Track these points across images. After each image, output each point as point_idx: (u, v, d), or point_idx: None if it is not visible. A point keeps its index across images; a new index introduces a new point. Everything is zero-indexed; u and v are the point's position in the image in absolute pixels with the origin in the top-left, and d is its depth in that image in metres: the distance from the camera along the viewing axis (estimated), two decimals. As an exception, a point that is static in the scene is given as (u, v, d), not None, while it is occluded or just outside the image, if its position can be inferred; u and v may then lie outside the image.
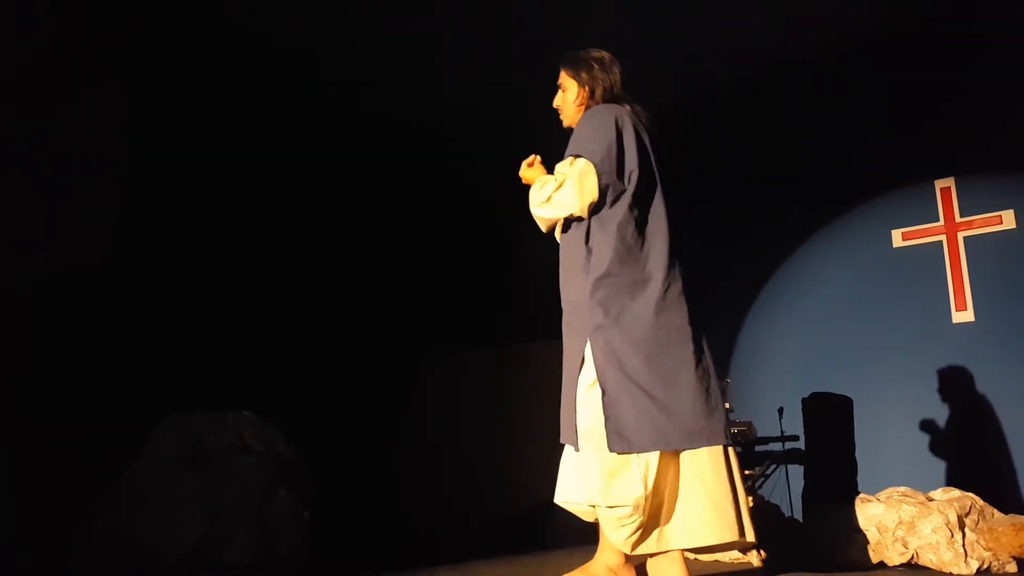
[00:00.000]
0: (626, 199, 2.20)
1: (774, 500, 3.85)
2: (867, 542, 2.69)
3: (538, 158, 2.40)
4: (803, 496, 4.01)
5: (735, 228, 5.63)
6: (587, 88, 2.37)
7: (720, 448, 2.12)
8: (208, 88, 4.22)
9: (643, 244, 2.20)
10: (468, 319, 5.31)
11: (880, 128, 5.16)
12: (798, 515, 4.00)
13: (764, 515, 3.02)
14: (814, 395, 3.98)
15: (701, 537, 2.07)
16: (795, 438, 4.64)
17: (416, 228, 5.37)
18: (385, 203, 5.12)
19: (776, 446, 4.74)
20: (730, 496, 2.07)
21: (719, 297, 5.60)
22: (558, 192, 2.23)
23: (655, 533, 2.08)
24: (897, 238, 5.16)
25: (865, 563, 2.69)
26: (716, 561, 2.95)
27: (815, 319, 5.28)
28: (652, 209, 2.25)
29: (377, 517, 4.34)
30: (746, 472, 4.68)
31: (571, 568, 2.28)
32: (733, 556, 2.84)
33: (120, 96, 3.84)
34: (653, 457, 2.07)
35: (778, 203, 5.52)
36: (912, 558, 2.62)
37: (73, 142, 3.74)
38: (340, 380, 4.58)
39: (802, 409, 4.00)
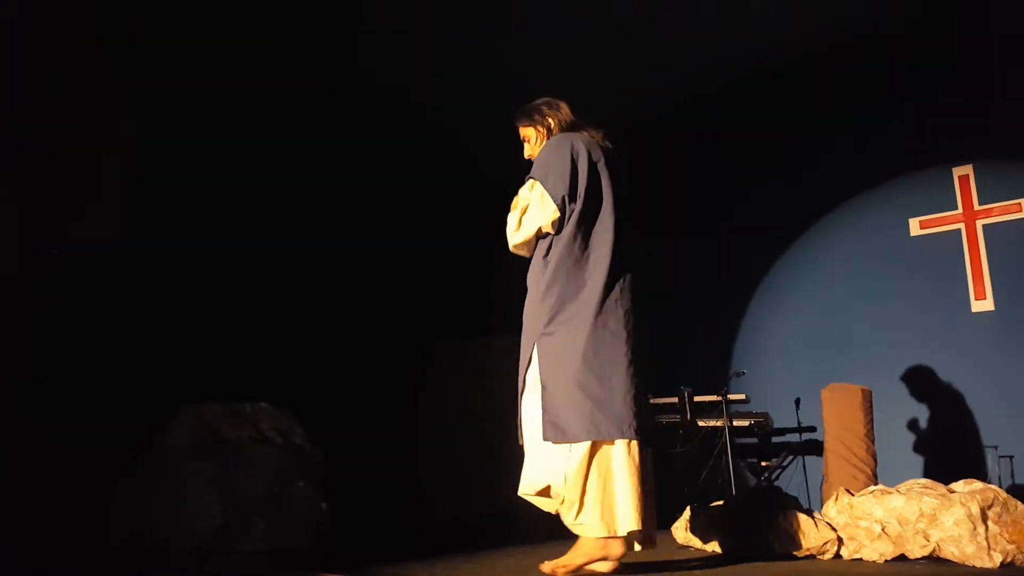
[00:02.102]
0: (575, 216, 2.45)
1: (791, 491, 3.83)
2: (887, 534, 2.67)
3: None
4: (821, 488, 3.99)
5: (750, 217, 5.59)
6: (544, 128, 2.66)
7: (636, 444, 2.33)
8: (220, 81, 4.22)
9: (588, 256, 2.45)
10: (482, 309, 5.31)
11: (896, 115, 5.09)
12: (816, 506, 3.97)
13: (781, 506, 3.00)
14: (832, 386, 3.94)
15: (629, 523, 2.26)
16: (812, 429, 4.61)
17: (432, 222, 5.38)
18: (398, 201, 5.13)
19: (793, 437, 4.72)
20: (640, 488, 2.29)
21: (734, 287, 5.58)
22: (525, 215, 2.51)
23: (590, 516, 2.27)
24: (914, 227, 5.10)
25: (885, 555, 2.66)
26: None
27: (832, 309, 5.24)
28: (599, 224, 2.48)
29: (393, 507, 4.35)
30: (763, 463, 4.67)
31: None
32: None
33: (134, 88, 3.83)
34: (584, 446, 2.28)
35: (793, 192, 5.47)
36: (934, 551, 2.58)
37: (87, 134, 3.75)
38: (353, 372, 4.59)
39: (820, 400, 3.97)
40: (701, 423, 4.49)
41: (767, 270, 5.59)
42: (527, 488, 2.39)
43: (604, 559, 2.32)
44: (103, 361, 3.56)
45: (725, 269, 5.59)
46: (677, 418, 4.50)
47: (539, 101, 2.71)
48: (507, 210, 2.62)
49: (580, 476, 2.28)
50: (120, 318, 3.67)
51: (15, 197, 3.62)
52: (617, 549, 2.30)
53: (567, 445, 2.29)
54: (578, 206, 2.45)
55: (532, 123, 2.68)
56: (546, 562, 2.35)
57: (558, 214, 2.44)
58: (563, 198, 2.44)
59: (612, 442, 2.31)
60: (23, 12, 3.49)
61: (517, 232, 2.53)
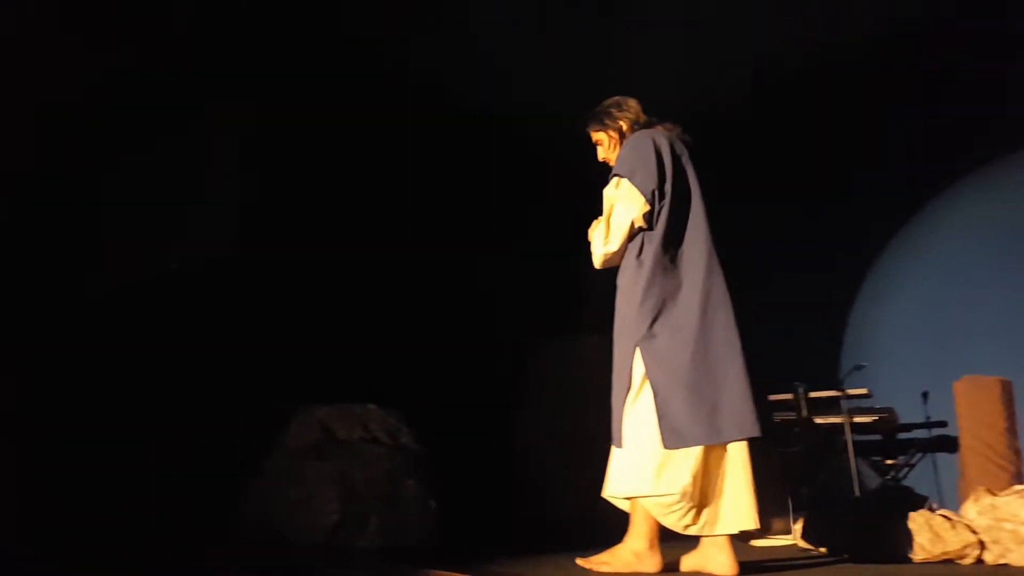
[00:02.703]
0: (665, 212, 2.41)
1: (922, 491, 3.58)
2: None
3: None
4: (958, 487, 3.72)
5: (863, 200, 5.28)
6: (615, 130, 2.62)
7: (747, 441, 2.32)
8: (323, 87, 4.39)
9: (683, 252, 2.41)
10: (583, 307, 5.26)
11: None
12: (951, 507, 3.70)
13: (913, 507, 2.82)
14: (967, 378, 3.67)
15: (747, 522, 2.27)
16: (942, 424, 4.34)
17: (528, 224, 5.39)
18: (498, 205, 5.18)
19: (921, 433, 4.44)
20: (753, 485, 2.29)
21: (849, 274, 5.29)
22: (614, 216, 2.46)
23: (706, 517, 2.28)
24: (1055, 197, 4.66)
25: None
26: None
27: (958, 295, 4.87)
28: (691, 219, 2.44)
29: (497, 506, 4.37)
30: (887, 462, 4.41)
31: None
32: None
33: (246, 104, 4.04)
34: (699, 449, 2.26)
35: (909, 171, 5.11)
36: (1095, 557, 2.35)
37: (204, 149, 3.98)
38: (456, 373, 4.66)
39: (954, 393, 3.70)
40: (819, 420, 4.28)
41: (884, 256, 5.27)
42: (618, 490, 2.41)
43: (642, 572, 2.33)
44: (230, 366, 3.78)
45: (839, 257, 5.31)
46: (792, 416, 4.31)
47: (608, 103, 2.67)
48: (597, 210, 2.57)
49: (698, 480, 2.27)
50: (245, 328, 3.88)
51: (138, 214, 3.90)
52: (653, 564, 2.33)
53: (681, 454, 2.27)
54: (667, 202, 2.42)
55: (603, 127, 2.66)
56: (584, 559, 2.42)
57: (648, 207, 2.41)
58: (652, 192, 2.41)
59: (724, 447, 2.30)
60: (141, 39, 3.75)
61: (607, 241, 2.48)
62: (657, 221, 2.42)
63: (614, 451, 2.45)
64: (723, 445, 2.30)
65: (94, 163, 3.74)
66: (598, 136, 2.69)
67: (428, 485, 3.47)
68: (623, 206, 2.44)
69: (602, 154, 2.70)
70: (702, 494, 2.28)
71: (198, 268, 3.87)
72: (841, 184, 5.33)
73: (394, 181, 4.69)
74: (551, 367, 4.75)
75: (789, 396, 4.30)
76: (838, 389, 4.21)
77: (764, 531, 2.41)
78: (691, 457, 2.26)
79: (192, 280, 3.84)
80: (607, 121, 2.64)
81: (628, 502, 2.42)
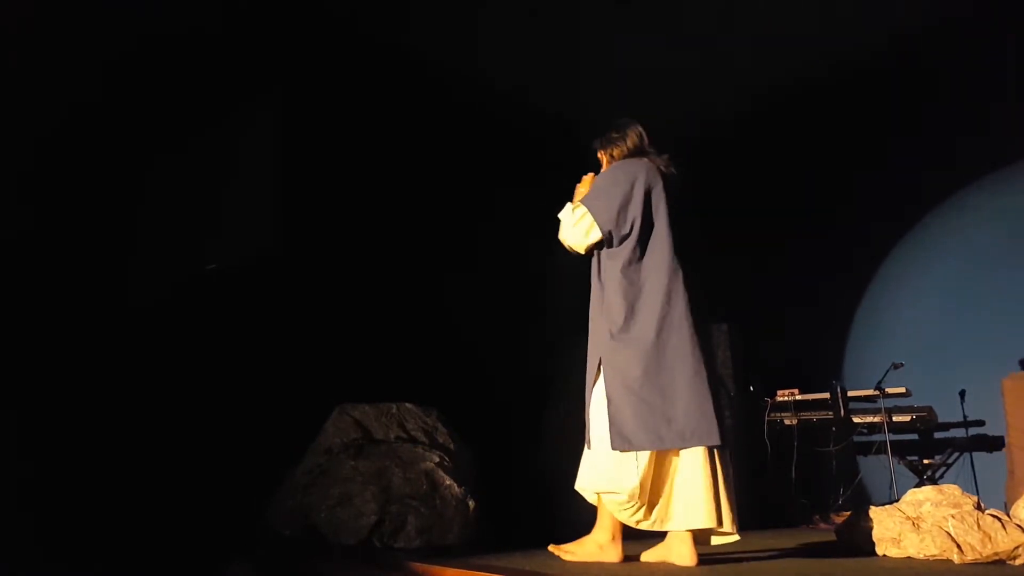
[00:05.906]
0: (629, 242, 2.65)
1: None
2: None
3: (590, 176, 2.89)
4: (1006, 487, 3.66)
5: (897, 194, 5.21)
6: (608, 155, 2.88)
7: (707, 448, 2.54)
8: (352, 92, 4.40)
9: (644, 279, 2.63)
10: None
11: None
12: (992, 507, 3.64)
13: (959, 506, 2.77)
14: (1014, 375, 3.61)
15: (698, 520, 2.48)
16: (980, 423, 4.28)
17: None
18: (532, 203, 5.18)
19: (958, 432, 4.38)
20: (713, 488, 2.51)
21: (888, 272, 5.21)
22: (564, 230, 2.77)
23: (656, 515, 2.54)
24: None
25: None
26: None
27: (1000, 291, 4.78)
28: (653, 249, 2.65)
29: (534, 504, 4.36)
30: (924, 461, 4.36)
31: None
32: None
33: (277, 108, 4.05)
34: (647, 454, 2.50)
35: (943, 160, 5.02)
36: None
37: (240, 154, 4.00)
38: (492, 372, 4.66)
39: (1002, 390, 3.64)
40: (856, 419, 4.24)
41: (924, 250, 5.18)
42: (585, 484, 2.65)
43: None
44: (260, 366, 3.80)
45: (877, 254, 5.23)
46: (829, 415, 4.27)
47: (613, 129, 2.89)
48: None
49: (647, 481, 2.52)
50: (282, 329, 3.90)
51: (175, 214, 3.92)
52: (614, 554, 2.58)
53: (631, 458, 2.52)
54: (632, 233, 2.64)
55: (603, 150, 2.90)
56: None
57: (596, 240, 2.67)
58: (609, 232, 2.65)
59: (676, 452, 2.53)
60: (166, 37, 3.76)
61: (560, 233, 2.79)
62: (619, 245, 2.66)
63: (584, 449, 2.70)
64: (674, 451, 2.53)
65: (126, 163, 3.76)
66: (600, 156, 2.95)
67: (466, 484, 3.46)
68: (570, 230, 2.74)
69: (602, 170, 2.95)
70: (653, 494, 2.53)
71: (233, 267, 3.89)
72: (876, 161, 5.28)
73: (429, 182, 4.70)
74: (581, 366, 4.73)
75: (826, 395, 4.26)
76: (875, 387, 4.17)
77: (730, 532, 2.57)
78: (640, 460, 2.51)
79: (228, 279, 3.85)
80: (607, 146, 2.89)
81: (595, 496, 2.65)
